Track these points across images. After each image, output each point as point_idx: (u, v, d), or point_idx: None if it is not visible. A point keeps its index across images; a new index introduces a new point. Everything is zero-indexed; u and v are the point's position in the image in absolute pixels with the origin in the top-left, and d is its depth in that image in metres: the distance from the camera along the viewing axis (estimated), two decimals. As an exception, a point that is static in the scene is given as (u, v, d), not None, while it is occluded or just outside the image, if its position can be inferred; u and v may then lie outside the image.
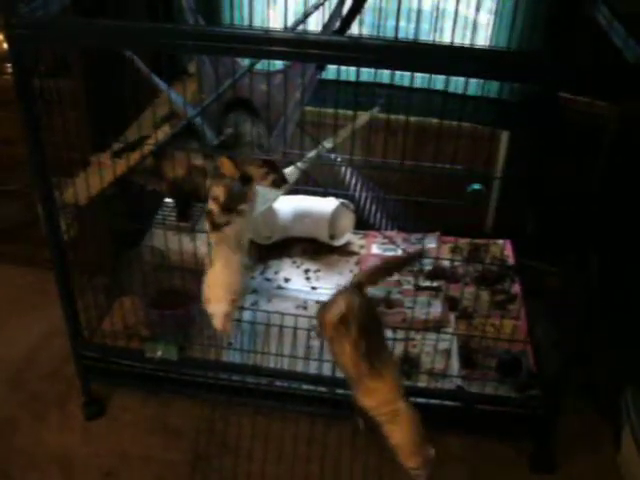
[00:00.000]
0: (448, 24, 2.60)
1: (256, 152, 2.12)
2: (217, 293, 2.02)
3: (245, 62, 2.29)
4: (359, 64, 1.84)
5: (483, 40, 2.75)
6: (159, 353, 2.36)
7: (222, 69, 2.32)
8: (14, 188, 2.89)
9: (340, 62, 1.85)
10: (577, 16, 2.31)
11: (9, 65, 2.42)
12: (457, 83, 2.70)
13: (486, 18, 2.73)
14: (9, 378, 2.65)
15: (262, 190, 2.44)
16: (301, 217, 2.96)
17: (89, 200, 2.24)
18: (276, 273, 2.87)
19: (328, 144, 2.53)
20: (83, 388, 2.49)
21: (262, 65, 2.41)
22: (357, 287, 2.06)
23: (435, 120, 2.64)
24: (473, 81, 2.70)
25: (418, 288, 2.71)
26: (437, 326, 2.56)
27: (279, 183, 2.14)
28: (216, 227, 2.06)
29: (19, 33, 1.84)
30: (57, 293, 2.28)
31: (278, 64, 2.40)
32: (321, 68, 2.25)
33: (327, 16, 2.23)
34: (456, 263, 2.84)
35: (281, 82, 2.29)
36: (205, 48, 1.86)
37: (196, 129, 2.20)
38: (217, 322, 2.01)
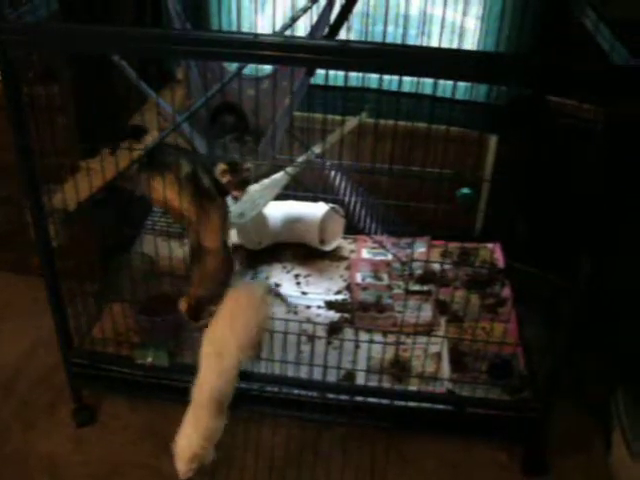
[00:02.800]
0: (435, 29, 2.62)
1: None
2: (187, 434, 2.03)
3: (233, 67, 2.29)
4: (348, 68, 1.84)
5: (470, 45, 2.76)
6: (149, 359, 2.35)
7: (210, 74, 2.33)
8: (4, 194, 2.88)
9: (329, 66, 1.86)
10: (564, 20, 2.33)
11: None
12: (445, 87, 2.71)
13: (473, 23, 2.74)
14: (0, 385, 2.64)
15: (252, 196, 2.45)
16: (291, 222, 2.96)
17: (78, 206, 2.23)
18: (266, 278, 2.87)
19: (317, 149, 2.53)
20: (73, 395, 2.48)
21: (250, 70, 2.42)
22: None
23: (424, 124, 2.64)
24: (461, 85, 2.71)
25: (408, 292, 2.71)
26: (428, 330, 2.57)
27: (232, 186, 2.17)
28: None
29: (7, 39, 1.83)
30: (47, 300, 2.27)
31: (266, 69, 2.41)
32: (311, 74, 2.26)
33: (315, 20, 2.23)
34: (446, 267, 2.84)
35: (269, 87, 2.29)
36: (194, 53, 1.86)
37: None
38: (179, 464, 2.02)
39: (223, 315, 2.06)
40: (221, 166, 2.12)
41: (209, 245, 2.17)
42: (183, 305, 2.15)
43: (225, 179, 2.15)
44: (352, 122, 2.60)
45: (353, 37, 2.59)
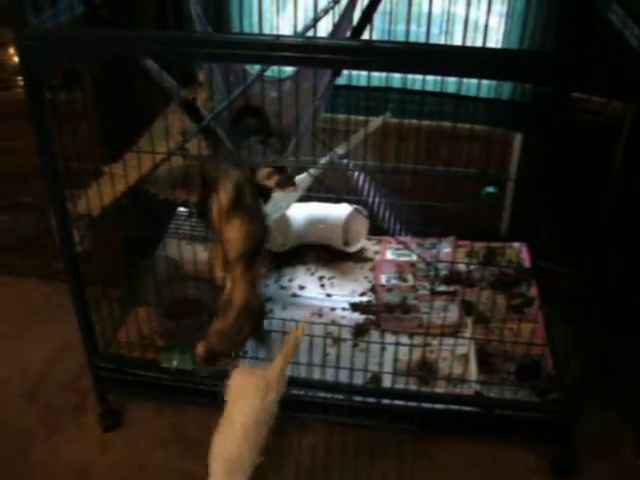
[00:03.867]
0: (458, 28, 2.59)
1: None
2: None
3: (255, 70, 2.29)
4: (372, 68, 1.82)
5: (494, 43, 2.73)
6: (175, 363, 2.35)
7: (232, 77, 2.32)
8: (28, 200, 2.89)
9: (352, 67, 1.85)
10: (590, 16, 2.29)
11: (20, 78, 2.42)
12: (469, 86, 2.69)
13: (496, 21, 2.71)
14: (25, 391, 2.64)
15: (275, 197, 2.43)
16: (315, 224, 2.95)
17: (102, 211, 2.23)
18: (290, 281, 2.86)
19: (340, 150, 2.52)
20: (99, 399, 2.48)
21: (272, 72, 2.41)
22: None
23: (448, 123, 2.62)
24: (485, 83, 2.69)
25: (434, 293, 2.69)
26: (454, 331, 2.55)
27: (284, 184, 2.14)
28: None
29: (30, 45, 1.83)
30: (72, 305, 2.28)
31: (289, 70, 2.40)
32: (337, 74, 2.24)
33: (336, 21, 2.22)
34: (472, 267, 2.82)
35: (291, 88, 2.28)
36: (216, 55, 1.85)
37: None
38: None
39: (229, 423, 1.98)
40: (265, 170, 2.10)
41: (236, 302, 2.12)
42: (200, 349, 2.12)
43: (272, 180, 2.13)
44: (376, 122, 2.58)
45: (375, 37, 2.57)
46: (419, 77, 2.65)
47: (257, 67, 2.25)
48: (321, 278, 2.88)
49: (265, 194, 2.22)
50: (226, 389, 2.00)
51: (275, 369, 1.97)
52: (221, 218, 2.04)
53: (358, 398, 2.31)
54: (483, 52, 1.84)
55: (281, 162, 2.17)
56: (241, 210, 2.04)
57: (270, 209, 2.52)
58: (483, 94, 2.72)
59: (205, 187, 2.14)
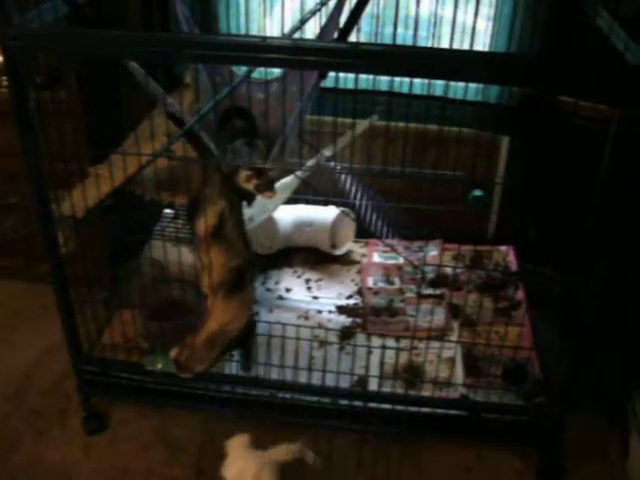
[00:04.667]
0: (446, 31, 2.59)
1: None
2: None
3: (242, 71, 2.27)
4: (359, 70, 1.82)
5: (482, 46, 2.73)
6: (159, 366, 2.33)
7: (219, 78, 2.31)
8: (13, 201, 2.87)
9: (339, 69, 1.83)
10: (577, 20, 2.29)
11: (4, 78, 2.40)
12: (456, 89, 2.68)
13: (484, 24, 2.71)
14: (9, 394, 2.62)
15: (262, 200, 2.42)
16: (302, 226, 2.94)
17: (87, 212, 2.22)
18: (277, 283, 2.85)
19: (327, 152, 2.51)
20: (83, 403, 2.46)
21: (259, 73, 2.40)
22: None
23: (435, 126, 2.62)
24: (472, 86, 2.69)
25: (421, 296, 2.68)
26: (441, 334, 2.54)
27: (262, 189, 2.13)
28: None
29: (14, 44, 1.82)
30: (56, 307, 2.26)
31: (276, 72, 2.39)
32: (323, 76, 2.24)
33: (324, 23, 2.21)
34: (458, 270, 2.81)
35: (278, 90, 2.27)
36: (203, 56, 1.84)
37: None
38: None
39: None
40: (244, 173, 2.09)
41: (210, 324, 2.15)
42: (173, 354, 2.14)
43: (252, 184, 2.12)
44: (363, 125, 2.58)
45: (362, 39, 2.57)
46: (406, 80, 2.64)
47: (244, 68, 2.24)
48: (308, 281, 2.87)
49: (249, 196, 2.21)
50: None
51: (272, 458, 2.07)
52: (201, 245, 2.11)
53: (344, 402, 2.30)
54: (470, 55, 1.84)
55: (266, 164, 2.15)
56: (220, 240, 2.10)
57: (257, 211, 2.52)
58: (470, 97, 2.72)
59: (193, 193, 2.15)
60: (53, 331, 2.42)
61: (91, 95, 2.47)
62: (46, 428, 2.49)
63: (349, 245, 3.00)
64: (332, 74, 2.44)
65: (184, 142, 2.20)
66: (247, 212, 2.46)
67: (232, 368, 2.41)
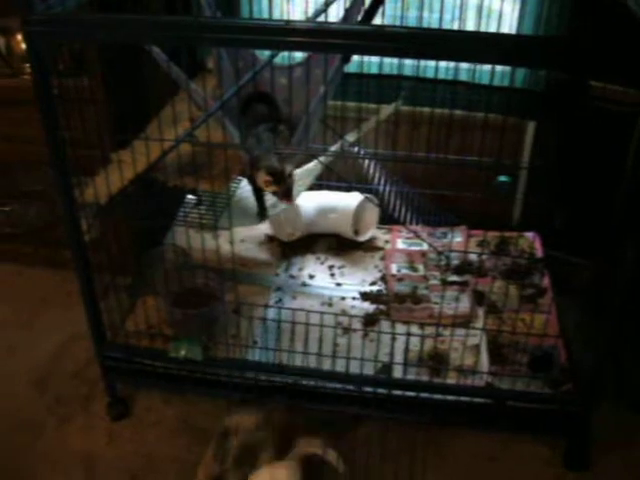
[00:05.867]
0: (471, 14, 2.55)
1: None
2: None
3: (265, 56, 2.25)
4: (383, 53, 1.79)
5: (508, 29, 2.69)
6: (183, 353, 2.33)
7: (241, 63, 2.29)
8: (39, 189, 2.88)
9: (364, 52, 1.81)
10: (606, 1, 2.25)
11: (28, 65, 2.40)
12: (482, 74, 2.65)
13: (510, 7, 2.67)
14: (34, 380, 2.63)
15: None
16: (325, 213, 2.92)
17: (110, 199, 2.21)
18: (300, 270, 2.84)
19: (351, 138, 2.49)
20: (107, 389, 2.47)
21: (282, 58, 2.38)
22: None
23: (460, 112, 2.59)
24: (499, 71, 2.65)
25: (445, 283, 2.66)
26: (466, 321, 2.52)
27: (280, 196, 2.11)
28: None
29: (37, 30, 1.81)
30: (80, 294, 2.26)
31: (298, 57, 2.36)
32: (346, 60, 2.21)
33: (348, 5, 2.18)
34: (484, 257, 2.78)
35: (302, 75, 2.25)
36: (225, 40, 1.81)
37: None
38: None
39: None
40: (264, 176, 2.06)
41: None
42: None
43: (270, 189, 2.10)
44: (387, 110, 2.55)
45: (387, 23, 2.54)
46: (432, 64, 2.61)
47: (267, 53, 2.22)
48: (331, 267, 2.85)
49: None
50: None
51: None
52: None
53: (369, 389, 2.28)
54: (497, 38, 1.80)
55: (290, 150, 2.13)
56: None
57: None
58: (496, 82, 2.68)
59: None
60: (78, 318, 2.42)
61: (114, 81, 2.46)
62: (70, 414, 2.51)
63: (372, 231, 2.98)
64: (356, 58, 2.43)
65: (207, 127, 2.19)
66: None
67: (255, 354, 2.40)
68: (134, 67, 2.49)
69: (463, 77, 2.60)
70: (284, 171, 2.04)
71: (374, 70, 2.66)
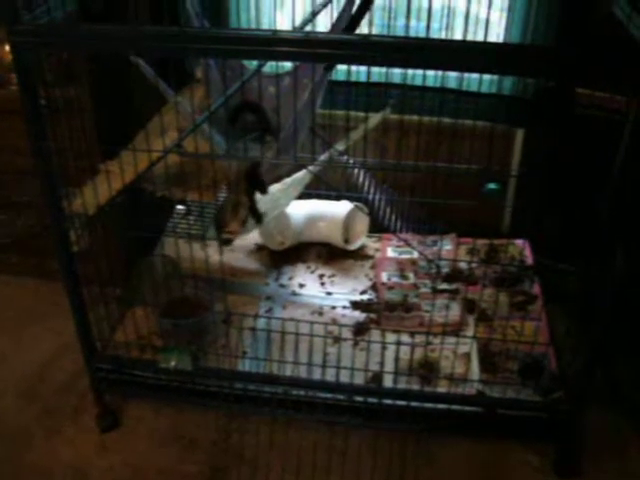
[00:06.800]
0: (459, 22, 2.56)
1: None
2: None
3: (253, 65, 2.25)
4: (371, 63, 1.78)
5: (496, 37, 2.70)
6: (173, 363, 2.32)
7: (229, 73, 2.29)
8: (26, 199, 2.87)
9: (351, 61, 1.81)
10: (593, 10, 2.26)
11: (14, 75, 2.39)
12: (470, 81, 2.65)
13: (497, 15, 2.68)
14: (22, 392, 2.61)
15: (274, 195, 2.41)
16: (314, 221, 2.92)
17: (98, 209, 2.20)
18: (290, 279, 2.83)
19: (340, 146, 2.49)
20: (97, 400, 2.45)
21: (270, 67, 2.38)
22: None
23: (449, 119, 2.59)
24: (486, 79, 2.66)
25: (435, 291, 2.66)
26: (456, 329, 2.51)
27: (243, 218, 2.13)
28: None
29: (23, 41, 1.81)
30: (68, 305, 2.25)
31: (287, 66, 2.37)
32: (329, 69, 2.21)
33: (335, 16, 2.19)
34: (473, 265, 2.79)
35: (290, 84, 2.25)
36: (212, 51, 1.82)
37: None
38: None
39: None
40: (230, 207, 2.11)
41: None
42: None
43: (238, 216, 2.11)
44: (376, 118, 2.55)
45: (375, 32, 2.54)
46: (420, 72, 2.62)
47: (255, 63, 2.22)
48: (321, 276, 2.85)
49: (261, 187, 2.19)
50: None
51: None
52: None
53: (359, 398, 2.28)
54: (484, 46, 1.81)
55: (277, 160, 2.13)
56: None
57: (269, 207, 2.50)
58: (484, 89, 2.69)
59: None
60: (67, 329, 2.41)
61: (102, 92, 2.45)
62: (59, 426, 2.49)
63: (362, 240, 2.98)
64: (344, 67, 2.42)
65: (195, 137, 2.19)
66: (260, 208, 2.45)
67: (245, 365, 2.39)
68: (122, 77, 2.49)
69: (451, 85, 2.60)
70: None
71: (362, 78, 2.66)
